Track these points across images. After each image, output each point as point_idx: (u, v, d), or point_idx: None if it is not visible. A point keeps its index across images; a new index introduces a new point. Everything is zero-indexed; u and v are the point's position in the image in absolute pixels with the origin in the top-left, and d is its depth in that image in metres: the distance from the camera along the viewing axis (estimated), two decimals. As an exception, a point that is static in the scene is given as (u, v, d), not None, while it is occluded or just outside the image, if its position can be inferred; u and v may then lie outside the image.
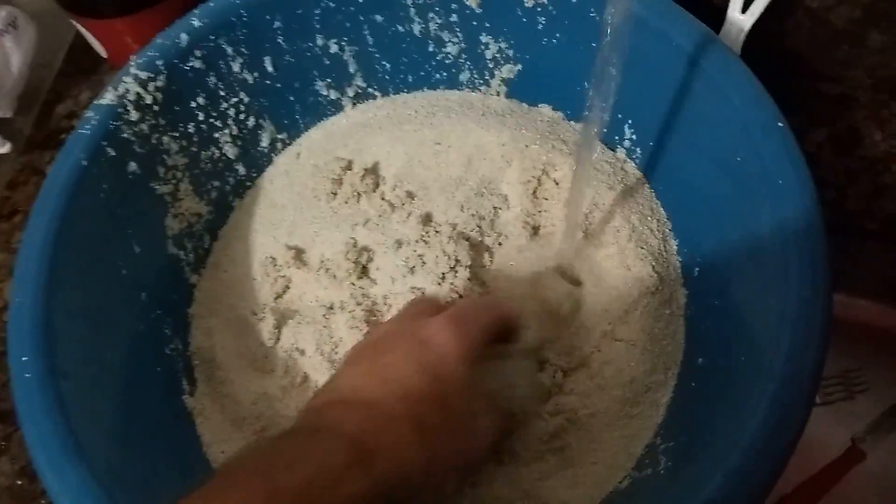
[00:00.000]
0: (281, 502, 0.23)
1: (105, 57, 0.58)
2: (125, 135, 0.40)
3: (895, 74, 0.48)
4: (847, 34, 0.47)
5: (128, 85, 0.40)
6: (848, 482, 0.50)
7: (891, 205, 0.46)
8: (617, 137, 0.44)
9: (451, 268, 0.42)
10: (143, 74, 0.41)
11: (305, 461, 0.25)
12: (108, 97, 0.40)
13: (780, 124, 0.34)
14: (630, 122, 0.43)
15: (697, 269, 0.40)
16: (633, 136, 0.44)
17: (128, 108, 0.40)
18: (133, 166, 0.41)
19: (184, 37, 0.41)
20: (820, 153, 0.48)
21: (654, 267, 0.40)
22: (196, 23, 0.42)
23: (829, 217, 0.32)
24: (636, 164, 0.44)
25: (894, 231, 0.46)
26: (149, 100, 0.41)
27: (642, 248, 0.41)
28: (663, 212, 0.43)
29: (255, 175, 0.49)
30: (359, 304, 0.42)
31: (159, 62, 0.41)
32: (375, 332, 0.37)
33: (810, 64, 0.49)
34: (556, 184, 0.45)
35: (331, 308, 0.43)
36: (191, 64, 0.42)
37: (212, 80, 0.44)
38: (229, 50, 0.43)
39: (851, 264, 0.50)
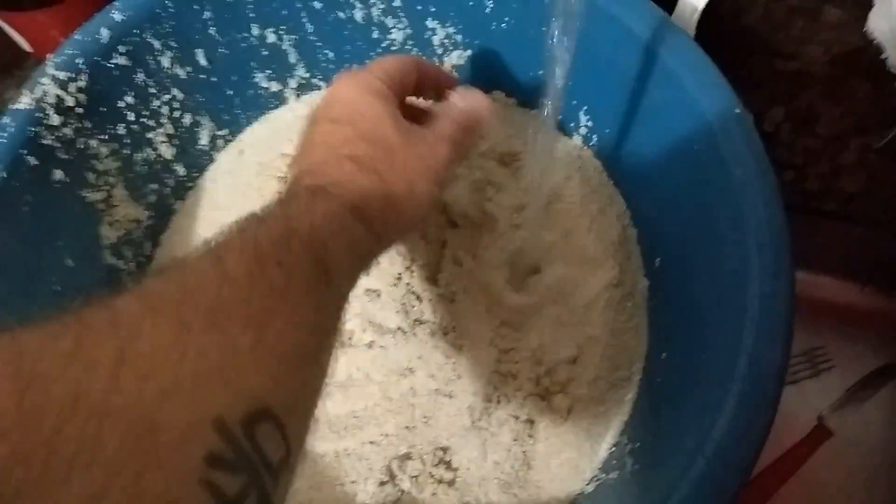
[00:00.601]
0: (270, 225, 0.24)
1: (30, 51, 0.54)
2: (47, 141, 0.37)
3: (852, 49, 0.47)
4: (802, 9, 0.46)
5: (45, 87, 0.37)
6: (815, 459, 0.50)
7: (849, 184, 0.46)
8: (573, 124, 0.43)
9: (406, 268, 0.40)
10: (63, 75, 0.37)
11: (276, 203, 0.26)
12: (24, 101, 0.37)
13: (737, 111, 0.33)
14: (585, 108, 0.42)
15: (659, 259, 0.39)
16: (590, 123, 0.42)
17: (47, 111, 0.37)
18: (59, 174, 0.38)
19: (104, 32, 0.38)
20: (778, 133, 0.47)
21: (615, 258, 0.39)
22: (117, 16, 0.39)
23: (788, 198, 0.31)
24: (593, 151, 0.43)
25: (853, 209, 0.46)
26: (70, 102, 0.38)
27: (602, 239, 0.39)
28: (622, 200, 0.41)
29: (196, 175, 0.46)
30: None
31: (79, 61, 0.38)
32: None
33: (766, 41, 0.48)
34: (512, 172, 0.43)
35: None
36: (115, 61, 0.39)
37: (140, 77, 0.41)
38: (156, 44, 0.40)
39: (810, 242, 0.50)
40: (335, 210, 0.26)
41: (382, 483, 0.37)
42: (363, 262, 0.28)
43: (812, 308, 0.53)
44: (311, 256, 0.24)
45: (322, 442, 0.38)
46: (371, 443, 0.37)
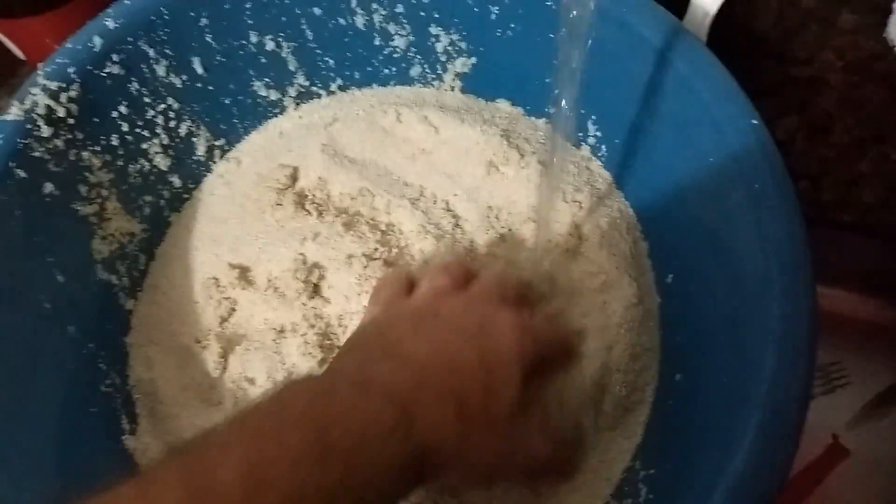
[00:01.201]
0: (334, 457, 0.23)
1: (24, 59, 0.53)
2: (37, 153, 0.36)
3: (868, 55, 0.45)
4: (817, 15, 0.45)
5: (36, 97, 0.36)
6: (831, 478, 0.48)
7: (867, 194, 0.44)
8: (581, 134, 0.42)
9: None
10: (54, 85, 0.36)
11: (358, 415, 0.25)
12: (13, 112, 0.35)
13: (753, 122, 0.31)
14: (594, 117, 0.40)
15: (672, 275, 0.37)
16: (598, 133, 0.41)
17: (38, 122, 0.36)
18: (49, 187, 0.37)
19: (97, 40, 0.37)
20: (792, 142, 0.46)
21: (630, 275, 0.37)
22: (110, 24, 0.37)
23: (802, 209, 0.30)
24: (601, 162, 0.41)
25: (870, 221, 0.44)
26: (62, 112, 0.37)
27: (614, 254, 0.38)
28: (632, 213, 0.40)
29: (192, 186, 0.45)
30: (312, 325, 0.39)
31: (71, 70, 0.37)
32: (425, 298, 0.33)
33: (779, 47, 0.47)
34: (518, 186, 0.41)
35: (281, 331, 0.39)
36: (108, 70, 0.38)
37: (134, 86, 0.39)
38: (151, 52, 0.39)
39: (828, 255, 0.48)
40: (405, 451, 0.25)
41: None
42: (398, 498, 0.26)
43: (827, 322, 0.51)
44: None
45: None
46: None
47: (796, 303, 0.28)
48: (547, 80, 0.40)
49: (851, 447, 0.48)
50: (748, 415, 0.27)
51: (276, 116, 0.47)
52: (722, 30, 0.40)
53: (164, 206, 0.44)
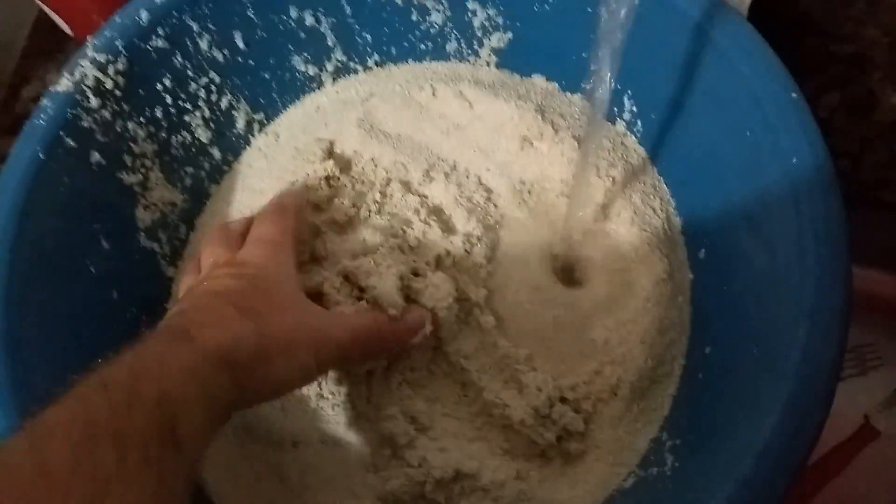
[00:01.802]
0: (112, 386, 0.23)
1: (71, 35, 0.55)
2: (85, 123, 0.37)
3: (914, 31, 0.44)
4: (862, -11, 0.44)
5: (85, 69, 0.37)
6: (861, 459, 0.48)
7: (909, 174, 0.43)
8: (616, 109, 0.41)
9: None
10: (102, 57, 0.37)
11: (128, 355, 0.25)
12: (63, 84, 0.37)
13: (794, 96, 0.31)
14: (630, 92, 0.40)
15: (704, 250, 0.37)
16: (634, 109, 0.40)
17: (86, 94, 0.37)
18: (96, 157, 0.38)
19: (144, 14, 0.38)
20: (832, 119, 0.45)
21: (661, 251, 0.37)
22: (156, -2, 0.38)
23: (842, 188, 0.30)
24: (636, 138, 0.41)
25: (912, 201, 0.44)
26: (109, 84, 0.38)
27: (645, 230, 0.38)
28: (666, 189, 0.40)
29: (231, 159, 0.46)
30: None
31: (118, 43, 0.38)
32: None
33: (822, 23, 0.46)
34: (552, 161, 0.42)
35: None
36: (154, 43, 0.39)
37: (178, 59, 0.40)
38: (195, 26, 0.40)
39: (864, 235, 0.47)
40: (195, 362, 0.25)
41: None
42: (221, 416, 0.27)
43: (862, 304, 0.50)
44: (156, 425, 0.23)
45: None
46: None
47: (831, 276, 0.28)
48: (584, 55, 0.40)
49: (882, 429, 0.48)
50: (779, 385, 0.27)
51: (314, 91, 0.47)
52: (763, 4, 0.40)
53: (205, 177, 0.45)
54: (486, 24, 0.43)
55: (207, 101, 0.43)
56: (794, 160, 0.30)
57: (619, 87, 0.40)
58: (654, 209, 0.39)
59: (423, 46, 0.46)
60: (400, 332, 0.34)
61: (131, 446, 0.21)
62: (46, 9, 0.53)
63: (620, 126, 0.42)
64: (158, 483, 0.22)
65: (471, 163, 0.43)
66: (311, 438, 0.37)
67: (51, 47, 0.58)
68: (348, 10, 0.43)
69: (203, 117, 0.43)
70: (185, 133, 0.43)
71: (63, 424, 0.21)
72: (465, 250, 0.38)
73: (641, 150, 0.41)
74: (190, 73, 0.41)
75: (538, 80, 0.45)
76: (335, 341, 0.31)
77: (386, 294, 0.34)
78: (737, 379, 0.31)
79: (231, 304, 0.29)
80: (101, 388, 0.23)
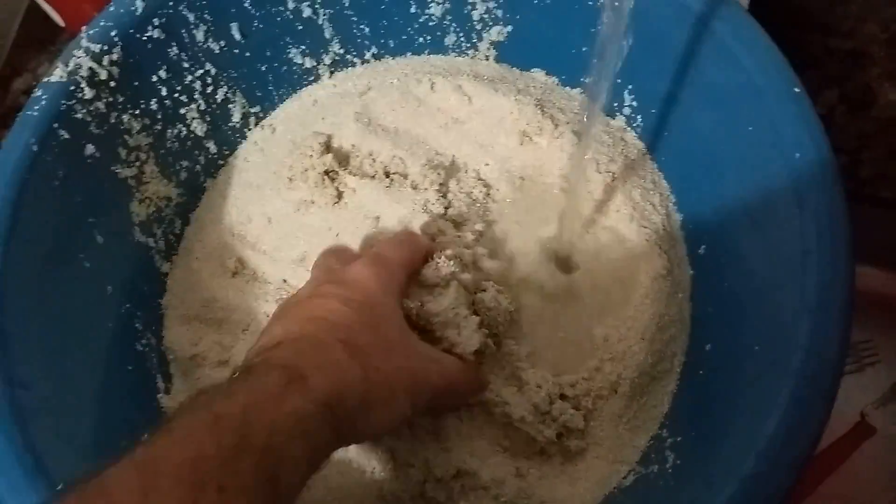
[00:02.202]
0: (224, 427, 0.23)
1: (63, 26, 0.54)
2: (79, 115, 0.37)
3: (913, 28, 0.44)
4: (862, -15, 0.44)
5: (79, 60, 0.36)
6: (857, 456, 0.48)
7: (908, 170, 0.43)
8: (616, 104, 0.41)
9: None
10: (96, 47, 0.37)
11: (242, 391, 0.25)
12: (57, 74, 0.36)
13: (796, 90, 0.31)
14: (630, 87, 0.40)
15: (704, 246, 0.37)
16: (634, 103, 0.40)
17: (81, 85, 0.37)
18: (90, 149, 0.38)
19: (139, 4, 0.38)
20: (832, 115, 0.45)
21: (660, 247, 0.37)
22: (152, -12, 0.38)
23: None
24: (636, 133, 0.41)
25: (910, 197, 0.44)
26: (104, 75, 0.37)
27: (644, 226, 0.38)
28: (666, 185, 0.40)
29: (227, 153, 0.46)
30: None
31: (113, 33, 0.37)
32: (298, 291, 0.35)
33: (821, 18, 0.46)
34: (551, 156, 0.41)
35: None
36: (149, 34, 0.38)
37: (173, 50, 0.40)
38: (191, 17, 0.39)
39: (861, 231, 0.47)
40: (305, 411, 0.25)
41: None
42: (319, 465, 0.26)
43: (859, 300, 0.50)
44: (262, 476, 0.22)
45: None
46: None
47: (834, 272, 0.28)
48: (583, 50, 0.40)
49: (878, 426, 0.48)
50: (782, 383, 0.27)
51: (311, 84, 0.47)
52: (761, 0, 0.40)
53: (200, 171, 0.45)
54: (486, 17, 0.43)
55: (203, 94, 0.42)
56: (797, 155, 0.30)
57: (619, 81, 0.40)
58: (653, 205, 0.39)
59: (421, 39, 0.45)
60: (481, 380, 0.35)
61: (234, 496, 0.21)
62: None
63: (620, 121, 0.42)
64: None
65: (469, 157, 0.42)
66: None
67: (42, 39, 0.57)
68: (346, 1, 0.43)
69: (199, 110, 0.43)
70: (180, 126, 0.42)
71: (173, 463, 0.21)
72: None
73: (641, 145, 0.41)
74: (186, 64, 0.41)
75: (538, 75, 0.44)
76: (432, 387, 0.31)
77: (470, 343, 0.34)
78: (738, 376, 0.31)
79: (340, 342, 0.28)
80: (212, 424, 0.23)
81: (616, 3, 0.28)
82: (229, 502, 0.21)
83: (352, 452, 0.36)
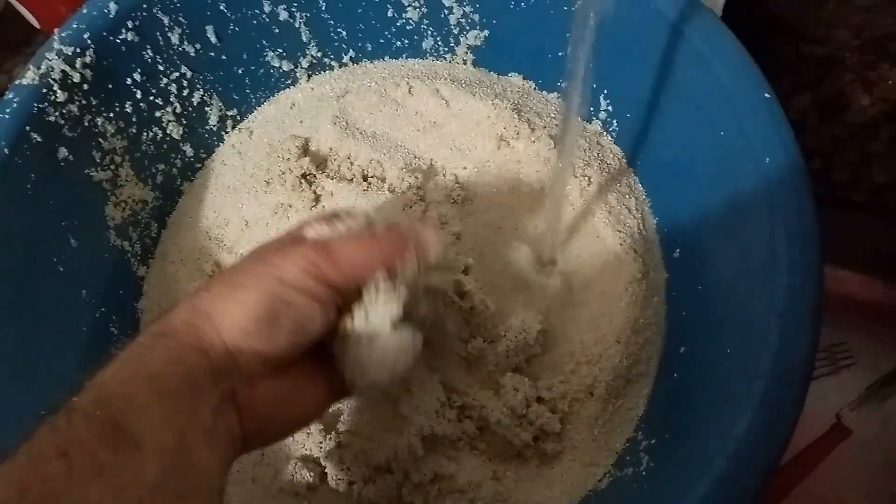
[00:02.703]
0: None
1: (38, 27, 0.54)
2: (52, 118, 0.36)
3: (884, 34, 0.45)
4: (834, -9, 0.44)
5: (51, 62, 0.36)
6: (833, 458, 0.49)
7: (879, 174, 0.44)
8: (592, 109, 0.41)
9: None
10: (69, 50, 0.37)
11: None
12: (29, 76, 0.36)
13: (766, 96, 0.31)
14: (606, 91, 0.40)
15: (679, 250, 0.37)
16: (610, 108, 0.41)
17: (53, 87, 0.36)
18: (63, 152, 0.37)
19: (112, 6, 0.37)
20: (805, 120, 0.46)
21: (636, 251, 0.37)
22: (125, -10, 0.38)
23: (813, 188, 0.30)
24: (612, 137, 0.41)
25: (881, 201, 0.44)
26: (77, 78, 0.37)
27: (620, 230, 0.38)
28: (642, 189, 0.40)
29: (204, 156, 0.46)
30: None
31: (86, 35, 0.37)
32: None
33: (793, 24, 0.46)
34: (529, 160, 0.42)
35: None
36: (122, 36, 0.38)
37: (148, 53, 0.40)
38: (165, 19, 0.39)
39: (835, 235, 0.48)
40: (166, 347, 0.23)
41: None
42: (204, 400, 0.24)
43: (834, 303, 0.51)
44: (98, 427, 0.21)
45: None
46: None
47: (803, 276, 0.28)
48: (560, 54, 0.40)
49: (854, 427, 0.48)
50: (752, 385, 0.27)
51: (289, 88, 0.47)
52: (737, 6, 0.40)
53: (177, 174, 0.44)
54: (463, 21, 0.43)
55: (179, 97, 0.42)
56: (767, 160, 0.30)
57: (595, 86, 0.40)
58: (629, 209, 0.39)
59: (399, 43, 0.46)
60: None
61: (77, 457, 0.20)
62: (12, 1, 0.51)
63: (596, 125, 0.42)
64: (118, 491, 0.20)
65: (447, 161, 0.42)
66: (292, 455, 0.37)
67: (17, 40, 0.56)
68: (323, 4, 0.43)
69: (174, 112, 0.42)
70: (155, 129, 0.42)
71: (18, 457, 0.20)
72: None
73: (617, 150, 0.41)
74: (161, 67, 0.40)
75: (515, 79, 0.45)
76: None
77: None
78: (710, 378, 0.31)
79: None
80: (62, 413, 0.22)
81: (590, 7, 0.28)
82: (70, 463, 0.20)
83: (326, 458, 0.36)
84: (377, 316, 0.27)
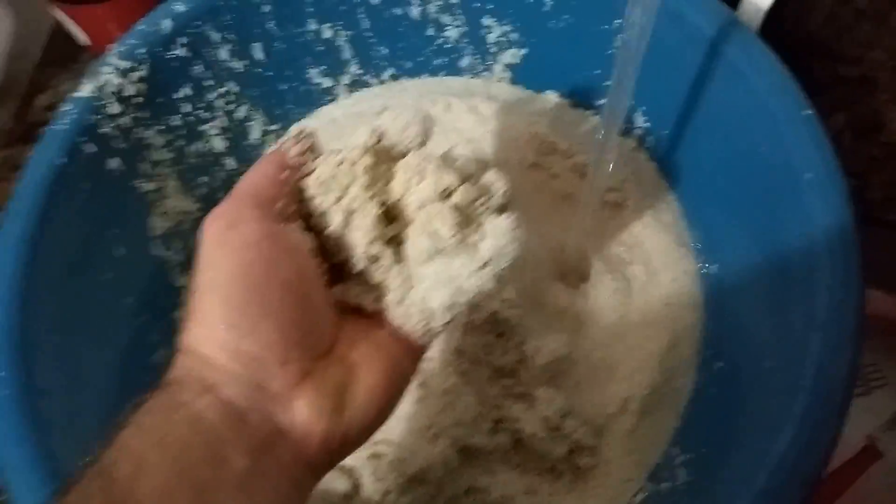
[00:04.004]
0: None
1: (87, 45, 0.55)
2: (105, 129, 0.38)
3: (920, 55, 0.45)
4: (869, 13, 0.44)
5: (107, 76, 0.37)
6: (863, 482, 0.48)
7: (916, 194, 0.44)
8: (628, 125, 0.42)
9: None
10: (124, 64, 0.38)
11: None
12: (86, 89, 0.37)
13: (807, 113, 0.32)
14: (643, 108, 0.41)
15: (717, 264, 0.38)
16: (647, 124, 0.41)
17: (108, 100, 0.38)
18: (115, 163, 0.38)
19: (167, 23, 0.39)
20: (840, 139, 0.46)
21: (671, 268, 0.38)
22: (180, 7, 0.39)
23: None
24: (649, 154, 0.42)
25: (918, 221, 0.44)
26: (130, 91, 0.38)
27: (657, 247, 0.38)
28: (678, 206, 0.40)
29: (245, 169, 0.46)
30: None
31: (141, 51, 0.38)
32: None
33: (829, 45, 0.47)
34: (564, 177, 0.42)
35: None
36: (175, 52, 0.40)
37: (198, 68, 0.41)
38: (216, 36, 0.41)
39: (870, 255, 0.48)
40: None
41: None
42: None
43: (866, 323, 0.51)
44: None
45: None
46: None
47: (843, 290, 0.28)
48: (597, 72, 0.41)
49: (885, 450, 0.48)
50: (793, 401, 0.27)
51: (329, 103, 0.48)
52: (773, 26, 0.40)
53: (219, 186, 0.45)
54: (502, 39, 0.44)
55: (225, 111, 0.43)
56: (807, 176, 0.30)
57: (632, 102, 0.41)
58: (665, 224, 0.40)
59: (437, 61, 0.47)
60: None
61: None
62: (63, 18, 0.53)
63: (632, 142, 0.42)
64: None
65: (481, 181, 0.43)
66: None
67: (66, 57, 0.58)
68: (366, 23, 0.44)
69: (220, 127, 0.44)
70: (201, 142, 0.43)
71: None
72: None
73: (653, 166, 0.42)
74: (209, 82, 0.42)
75: (551, 96, 0.45)
76: None
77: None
78: (749, 393, 0.32)
79: None
80: None
81: (632, 26, 0.29)
82: None
83: (361, 467, 0.36)
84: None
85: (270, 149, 0.44)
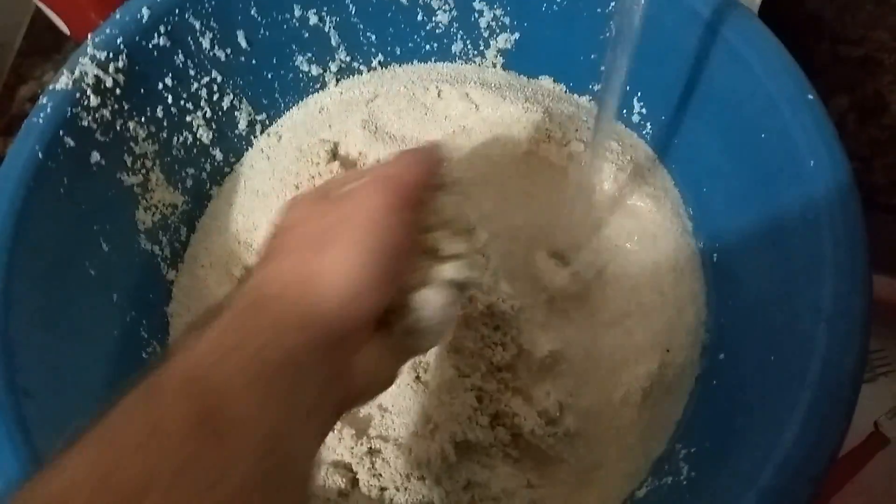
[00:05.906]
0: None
1: (68, 34, 0.54)
2: (85, 122, 0.36)
3: (924, 35, 0.44)
4: (872, -8, 0.43)
5: (85, 67, 0.36)
6: (870, 467, 0.48)
7: (920, 177, 0.43)
8: (625, 111, 0.41)
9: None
10: (102, 55, 0.37)
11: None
12: (63, 81, 0.36)
13: (809, 97, 0.31)
14: (639, 94, 0.40)
15: (716, 254, 0.37)
16: (643, 111, 0.40)
17: (86, 92, 0.36)
18: (96, 156, 0.37)
19: (145, 11, 0.37)
20: (843, 122, 0.45)
21: (671, 256, 0.37)
22: (158, -5, 0.38)
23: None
24: (646, 140, 0.41)
25: (923, 205, 0.43)
26: (109, 83, 0.37)
27: (656, 234, 0.37)
28: (678, 192, 0.39)
29: (233, 160, 0.45)
30: None
31: (119, 40, 0.37)
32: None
33: (831, 25, 0.46)
34: (560, 164, 0.41)
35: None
36: (155, 41, 0.38)
37: (179, 58, 0.40)
38: (197, 24, 0.39)
39: (874, 239, 0.47)
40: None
41: None
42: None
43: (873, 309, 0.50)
44: (187, 413, 0.19)
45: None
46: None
47: (850, 280, 0.27)
48: (592, 57, 0.40)
49: (892, 436, 0.47)
50: (799, 393, 0.26)
51: (317, 92, 0.47)
52: (773, 7, 0.39)
53: (206, 178, 0.44)
54: (493, 24, 0.43)
55: (209, 101, 0.42)
56: (811, 162, 0.29)
57: (628, 88, 0.39)
58: (664, 213, 0.39)
59: (428, 47, 0.45)
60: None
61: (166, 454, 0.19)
62: (44, 7, 0.52)
63: (629, 128, 0.41)
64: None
65: (475, 166, 0.42)
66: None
67: (47, 47, 0.57)
68: (352, 8, 0.43)
69: (205, 117, 0.42)
70: (186, 133, 0.42)
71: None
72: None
73: (651, 153, 0.41)
74: (192, 71, 0.40)
75: (545, 82, 0.44)
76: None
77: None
78: (753, 386, 0.31)
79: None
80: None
81: (627, 9, 0.28)
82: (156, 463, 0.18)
83: (358, 463, 0.36)
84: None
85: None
